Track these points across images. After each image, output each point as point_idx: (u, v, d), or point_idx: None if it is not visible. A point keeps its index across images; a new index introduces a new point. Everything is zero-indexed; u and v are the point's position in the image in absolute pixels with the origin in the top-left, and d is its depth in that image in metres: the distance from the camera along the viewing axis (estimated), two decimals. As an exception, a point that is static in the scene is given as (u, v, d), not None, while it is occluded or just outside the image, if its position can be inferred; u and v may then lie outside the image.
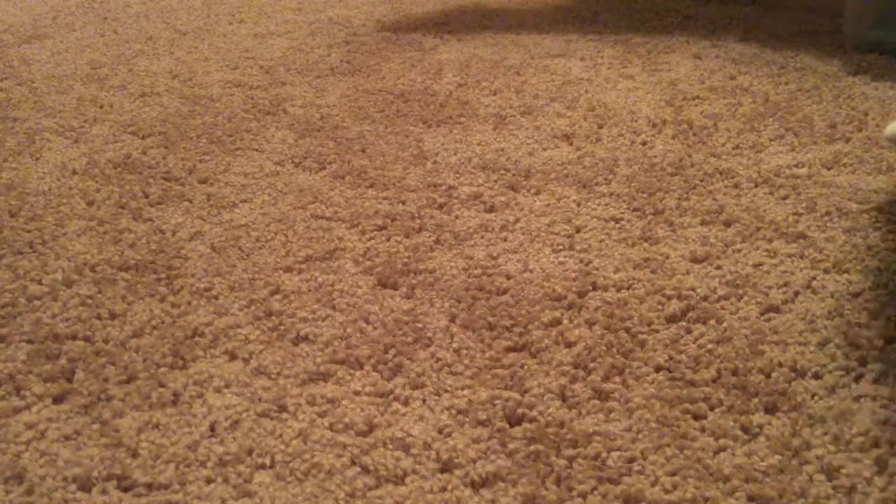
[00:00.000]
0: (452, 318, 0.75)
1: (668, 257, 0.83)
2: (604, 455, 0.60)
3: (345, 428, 0.62)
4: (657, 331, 0.73)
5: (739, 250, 0.84)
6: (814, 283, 0.78)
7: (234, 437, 0.62)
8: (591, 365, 0.68)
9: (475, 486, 0.58)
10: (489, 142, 1.10)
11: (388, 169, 1.03)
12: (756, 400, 0.64)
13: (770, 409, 0.64)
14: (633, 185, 0.97)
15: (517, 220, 0.91)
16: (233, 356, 0.70)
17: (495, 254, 0.84)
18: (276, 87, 1.31)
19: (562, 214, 0.92)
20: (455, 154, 1.07)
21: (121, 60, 1.45)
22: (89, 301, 0.78)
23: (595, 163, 1.03)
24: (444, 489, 0.57)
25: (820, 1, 1.63)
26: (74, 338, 0.73)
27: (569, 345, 0.71)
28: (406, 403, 0.65)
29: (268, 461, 0.59)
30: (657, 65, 1.36)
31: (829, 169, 1.00)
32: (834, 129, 1.10)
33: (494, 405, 0.64)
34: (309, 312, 0.76)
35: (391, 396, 0.66)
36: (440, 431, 0.62)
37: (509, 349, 0.71)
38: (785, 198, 0.94)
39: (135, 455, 0.60)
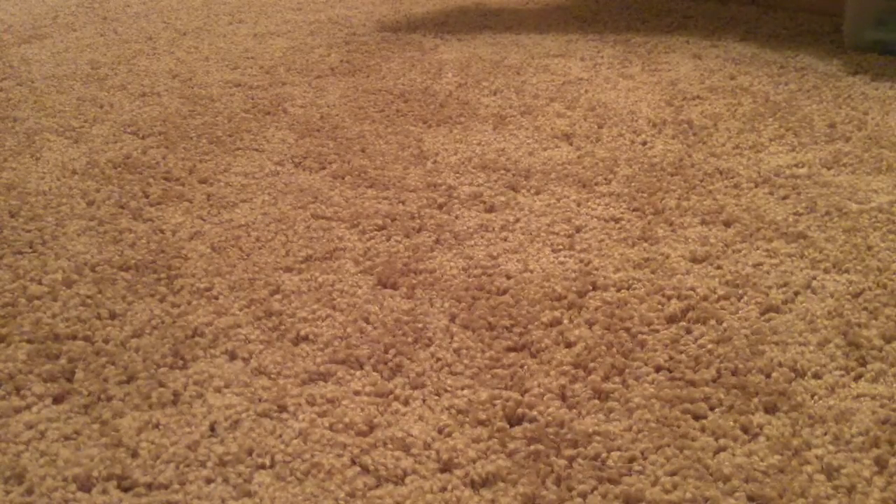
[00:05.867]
0: (452, 318, 0.75)
1: (668, 257, 0.83)
2: (604, 455, 0.60)
3: (345, 428, 0.62)
4: (657, 331, 0.73)
5: (739, 250, 0.84)
6: (814, 283, 0.78)
7: (234, 437, 0.62)
8: (591, 365, 0.68)
9: (475, 486, 0.58)
10: (489, 142, 1.10)
11: (388, 169, 1.03)
12: (756, 400, 0.64)
13: (770, 409, 0.64)
14: (633, 185, 0.97)
15: (517, 220, 0.91)
16: (233, 356, 0.70)
17: (495, 254, 0.84)
18: (276, 87, 1.31)
19: (562, 214, 0.92)
20: (455, 154, 1.07)
21: (121, 60, 1.45)
22: (89, 301, 0.78)
23: (595, 163, 1.03)
24: (444, 489, 0.57)
25: (820, 1, 1.63)
26: (74, 338, 0.73)
27: (569, 345, 0.71)
28: (406, 403, 0.65)
29: (268, 461, 0.59)
30: (657, 65, 1.36)
31: (829, 169, 1.00)
32: (834, 129, 1.10)
33: (494, 405, 0.64)
34: (309, 312, 0.76)
35: (391, 396, 0.66)
36: (440, 431, 0.62)
37: (509, 349, 0.71)
38: (785, 198, 0.94)
39: (135, 455, 0.60)
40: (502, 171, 1.01)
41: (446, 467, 0.59)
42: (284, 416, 0.64)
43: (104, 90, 1.30)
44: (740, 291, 0.77)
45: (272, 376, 0.68)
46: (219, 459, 0.60)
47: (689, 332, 0.72)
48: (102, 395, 0.66)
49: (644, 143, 1.08)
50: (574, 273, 0.81)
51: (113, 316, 0.76)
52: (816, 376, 0.67)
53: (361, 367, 0.69)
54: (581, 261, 0.83)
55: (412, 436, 0.61)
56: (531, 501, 0.56)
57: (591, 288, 0.79)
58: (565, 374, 0.67)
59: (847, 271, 0.80)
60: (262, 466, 0.59)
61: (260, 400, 0.65)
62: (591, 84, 1.28)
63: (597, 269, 0.81)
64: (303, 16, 1.74)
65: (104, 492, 0.57)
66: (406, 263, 0.83)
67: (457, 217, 0.92)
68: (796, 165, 1.01)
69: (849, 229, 0.87)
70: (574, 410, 0.64)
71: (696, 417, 0.63)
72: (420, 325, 0.74)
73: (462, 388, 0.66)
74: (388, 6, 1.81)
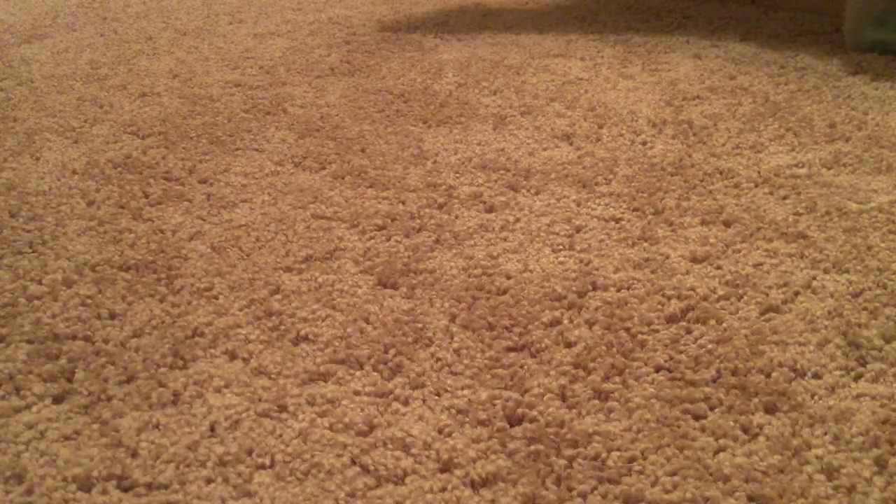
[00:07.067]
0: (452, 318, 0.75)
1: (668, 257, 0.83)
2: (604, 455, 0.60)
3: (345, 428, 0.62)
4: (657, 331, 0.73)
5: (739, 250, 0.84)
6: (814, 283, 0.78)
7: (234, 437, 0.62)
8: (591, 365, 0.68)
9: (475, 486, 0.58)
10: (489, 142, 1.10)
11: (388, 169, 1.03)
12: (756, 400, 0.64)
13: (770, 409, 0.64)
14: (633, 185, 0.97)
15: (517, 220, 0.91)
16: (233, 356, 0.70)
17: (495, 254, 0.84)
18: (276, 87, 1.31)
19: (562, 214, 0.92)
20: (455, 154, 1.07)
21: (121, 60, 1.45)
22: (89, 301, 0.78)
23: (595, 163, 1.03)
24: (444, 489, 0.57)
25: (820, 1, 1.63)
26: (74, 338, 0.73)
27: (569, 345, 0.71)
28: (406, 403, 0.65)
29: (268, 461, 0.59)
30: (657, 65, 1.36)
31: (829, 169, 1.00)
32: (834, 129, 1.10)
33: (494, 405, 0.64)
34: (309, 312, 0.76)
35: (391, 396, 0.66)
36: (440, 431, 0.62)
37: (509, 349, 0.71)
38: (785, 198, 0.94)
39: (135, 455, 0.60)
40: (502, 171, 1.01)
41: (446, 467, 0.59)
42: (284, 416, 0.64)
43: (104, 90, 1.30)
44: (740, 291, 0.77)
45: (272, 376, 0.68)
46: (219, 459, 0.60)
47: (689, 332, 0.72)
48: (102, 395, 0.66)
49: (644, 143, 1.08)
50: (574, 273, 0.81)
51: (113, 316, 0.76)
52: (816, 376, 0.67)
53: (361, 367, 0.69)
54: (581, 261, 0.83)
55: (412, 436, 0.61)
56: (531, 501, 0.56)
57: (591, 288, 0.79)
58: (565, 374, 0.67)
59: (847, 271, 0.80)
60: (262, 466, 0.59)
61: (260, 400, 0.65)
62: (591, 84, 1.28)
63: (597, 269, 0.81)
64: (303, 16, 1.74)
65: (104, 492, 0.57)
66: (406, 263, 0.83)
67: (457, 217, 0.92)
68: (796, 165, 1.01)
69: (849, 229, 0.87)
70: (574, 410, 0.64)
71: (696, 417, 0.63)
72: (420, 325, 0.74)
73: (462, 388, 0.66)
74: (388, 6, 1.81)
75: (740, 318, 0.74)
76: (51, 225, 0.91)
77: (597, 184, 0.98)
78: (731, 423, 0.62)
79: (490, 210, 0.93)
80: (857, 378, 0.66)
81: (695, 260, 0.83)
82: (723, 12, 1.66)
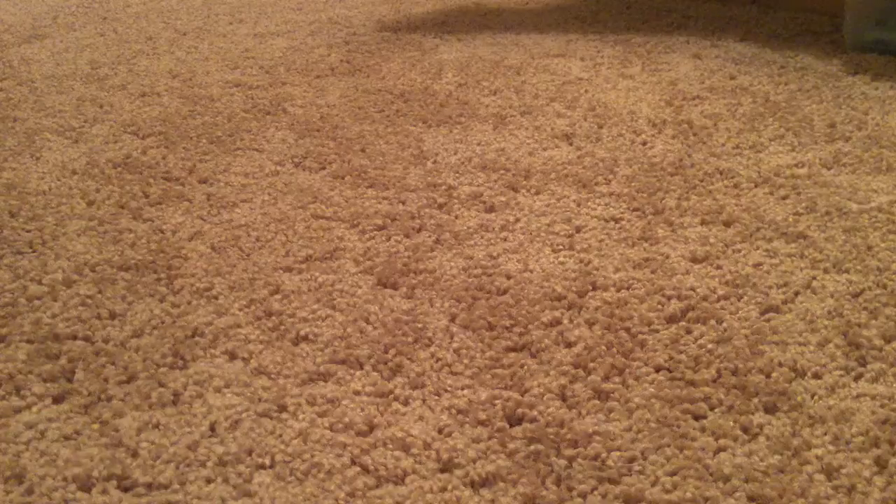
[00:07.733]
0: (452, 318, 0.75)
1: (668, 257, 0.83)
2: (604, 455, 0.60)
3: (345, 428, 0.62)
4: (657, 331, 0.73)
5: (739, 250, 0.84)
6: (814, 283, 0.78)
7: (234, 437, 0.62)
8: (591, 365, 0.68)
9: (475, 486, 0.58)
10: (489, 142, 1.10)
11: (388, 169, 1.03)
12: (756, 400, 0.64)
13: (770, 409, 0.64)
14: (633, 185, 0.97)
15: (517, 220, 0.91)
16: (233, 356, 0.70)
17: (495, 254, 0.84)
18: (276, 87, 1.31)
19: (562, 214, 0.92)
20: (455, 154, 1.07)
21: (121, 60, 1.45)
22: (89, 301, 0.78)
23: (595, 163, 1.03)
24: (444, 489, 0.57)
25: (820, 1, 1.63)
26: (74, 338, 0.73)
27: (569, 345, 0.71)
28: (406, 403, 0.65)
29: (268, 461, 0.59)
30: (657, 65, 1.36)
31: (829, 169, 1.00)
32: (834, 129, 1.10)
33: (494, 405, 0.64)
34: (309, 312, 0.76)
35: (391, 396, 0.66)
36: (440, 431, 0.62)
37: (509, 349, 0.71)
38: (785, 198, 0.94)
39: (135, 455, 0.60)
40: (502, 171, 1.01)
41: (446, 467, 0.59)
42: (284, 416, 0.64)
43: (104, 90, 1.30)
44: (740, 291, 0.77)
45: (272, 376, 0.68)
46: (219, 459, 0.60)
47: (689, 332, 0.72)
48: (102, 395, 0.66)
49: (644, 143, 1.08)
50: (574, 273, 0.81)
51: (113, 316, 0.76)
52: (816, 376, 0.67)
53: (361, 367, 0.69)
54: (581, 261, 0.83)
55: (412, 436, 0.61)
56: (531, 501, 0.56)
57: (591, 288, 0.79)
58: (565, 374, 0.67)
59: (847, 271, 0.80)
60: (262, 466, 0.59)
61: (260, 400, 0.65)
62: (591, 84, 1.28)
63: (597, 269, 0.81)
64: (303, 16, 1.74)
65: (104, 492, 0.57)
66: (406, 263, 0.83)
67: (457, 217, 0.92)
68: (796, 165, 1.01)
69: (849, 229, 0.87)
70: (574, 410, 0.64)
71: (696, 417, 0.63)
72: (420, 325, 0.74)
73: (462, 388, 0.66)
74: (388, 6, 1.81)
75: (740, 318, 0.74)
76: (51, 225, 0.91)
77: (597, 184, 0.98)
78: (731, 423, 0.62)
79: (490, 210, 0.93)
80: (857, 378, 0.66)
81: (695, 260, 0.83)
82: (723, 12, 1.66)
